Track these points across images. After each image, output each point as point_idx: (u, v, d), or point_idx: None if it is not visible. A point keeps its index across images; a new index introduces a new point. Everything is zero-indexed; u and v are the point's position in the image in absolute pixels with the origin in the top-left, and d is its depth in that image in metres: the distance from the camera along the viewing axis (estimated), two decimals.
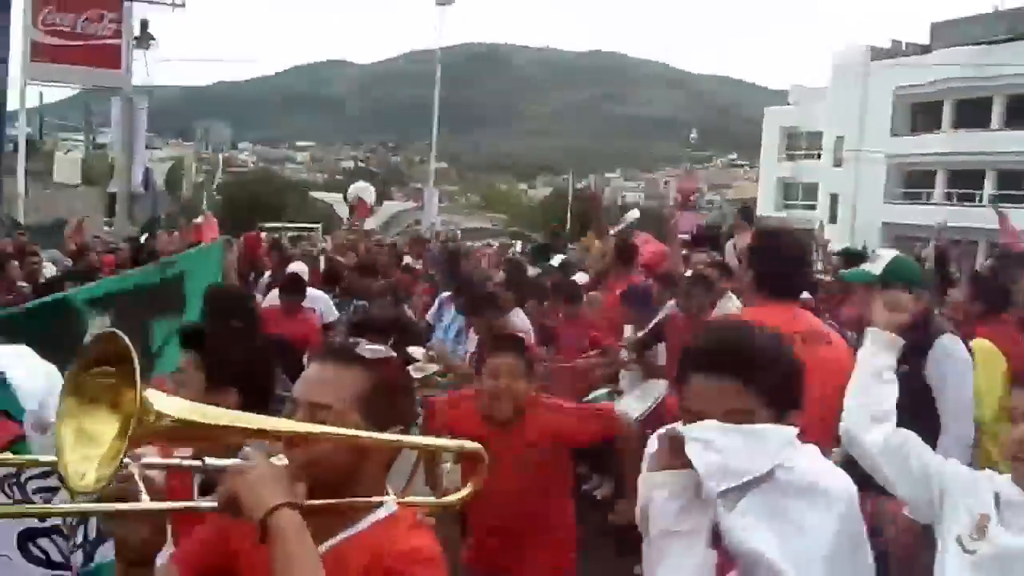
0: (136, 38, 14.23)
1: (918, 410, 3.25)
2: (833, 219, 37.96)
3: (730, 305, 5.35)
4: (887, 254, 3.59)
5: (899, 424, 2.41)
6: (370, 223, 19.84)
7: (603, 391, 5.73)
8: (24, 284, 7.60)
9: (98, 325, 3.27)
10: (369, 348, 1.82)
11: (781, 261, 3.41)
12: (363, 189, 21.48)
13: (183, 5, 13.39)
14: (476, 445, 1.87)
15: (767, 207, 49.17)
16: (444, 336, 7.00)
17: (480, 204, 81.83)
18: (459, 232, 39.84)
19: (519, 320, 5.97)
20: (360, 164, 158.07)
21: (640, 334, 6.09)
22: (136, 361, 1.34)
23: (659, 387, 5.30)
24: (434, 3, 31.92)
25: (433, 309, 7.70)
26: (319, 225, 22.89)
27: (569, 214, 51.79)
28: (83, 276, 5.93)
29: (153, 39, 14.30)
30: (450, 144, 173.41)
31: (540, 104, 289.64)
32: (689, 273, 6.52)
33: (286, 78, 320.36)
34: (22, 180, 13.48)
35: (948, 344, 3.44)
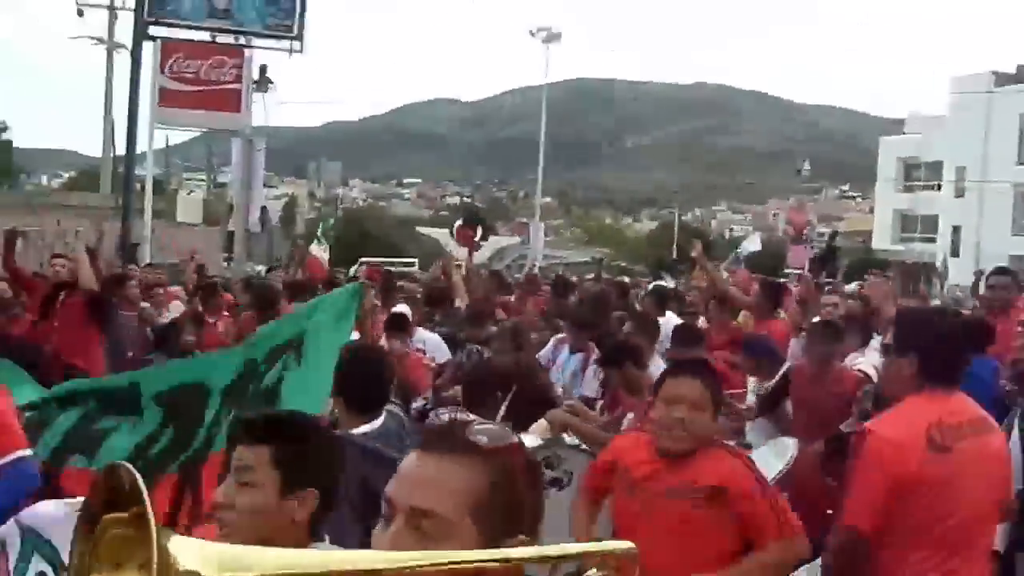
0: (255, 82, 14.81)
1: None
2: (955, 252, 36.41)
3: (864, 361, 5.02)
4: None
5: None
6: (476, 258, 19.95)
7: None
8: (145, 304, 7.91)
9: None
10: (485, 430, 1.43)
11: (945, 346, 3.02)
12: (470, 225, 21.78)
13: (301, 51, 13.88)
14: (628, 545, 1.39)
15: (883, 240, 47.57)
16: (559, 378, 6.75)
17: (585, 238, 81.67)
18: (563, 266, 39.93)
19: (657, 371, 5.66)
20: (466, 199, 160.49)
21: (767, 386, 5.73)
22: (148, 504, 1.02)
23: (790, 446, 4.87)
24: (540, 41, 32.28)
25: (547, 349, 7.45)
26: (415, 260, 22.95)
27: (675, 247, 51.17)
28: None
29: (271, 83, 14.87)
30: (555, 179, 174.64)
31: (645, 137, 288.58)
32: (816, 319, 6.18)
33: (395, 116, 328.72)
34: (149, 220, 14.14)
35: None
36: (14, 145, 37.87)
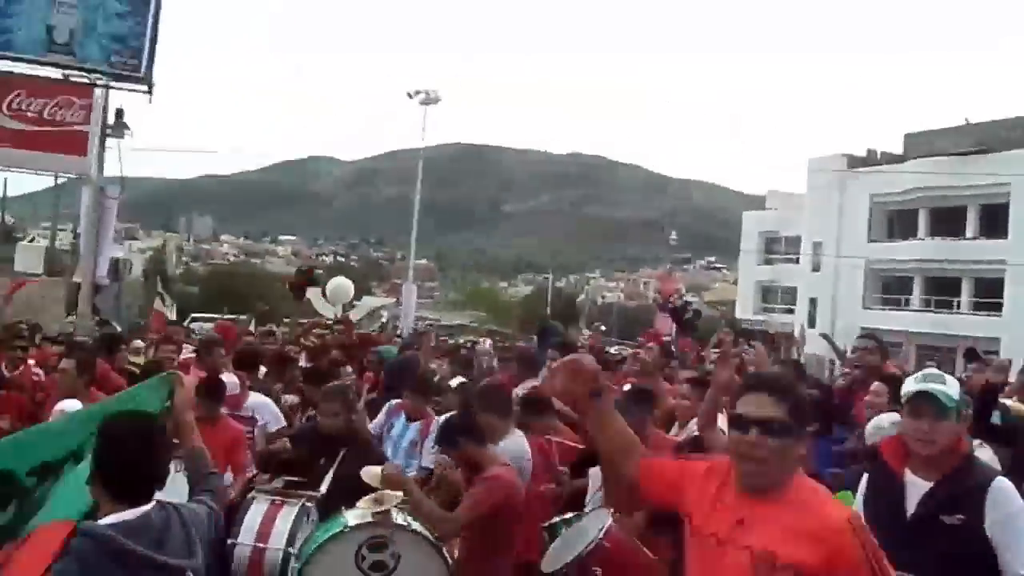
0: (111, 127, 14.06)
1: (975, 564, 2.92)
2: (812, 323, 37.93)
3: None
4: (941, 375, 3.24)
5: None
6: (350, 313, 19.51)
7: (560, 519, 4.68)
8: None
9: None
10: None
11: None
12: (340, 283, 21.22)
13: (149, 92, 13.18)
14: None
15: (746, 310, 49.29)
16: (394, 451, 6.22)
17: (461, 301, 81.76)
18: (436, 329, 39.60)
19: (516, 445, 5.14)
20: (340, 259, 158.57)
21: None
22: None
23: (604, 517, 4.25)
24: (418, 103, 32.33)
25: (379, 419, 6.78)
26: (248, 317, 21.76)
27: (549, 312, 51.67)
28: None
29: (128, 128, 14.12)
30: (432, 242, 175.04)
31: (522, 204, 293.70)
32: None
33: (271, 173, 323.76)
34: None
35: (1005, 488, 3.02)
36: None
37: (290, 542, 4.18)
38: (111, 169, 15.13)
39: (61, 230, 28.29)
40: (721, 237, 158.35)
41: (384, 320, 24.18)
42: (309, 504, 4.45)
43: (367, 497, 4.22)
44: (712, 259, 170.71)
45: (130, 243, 60.96)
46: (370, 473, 4.31)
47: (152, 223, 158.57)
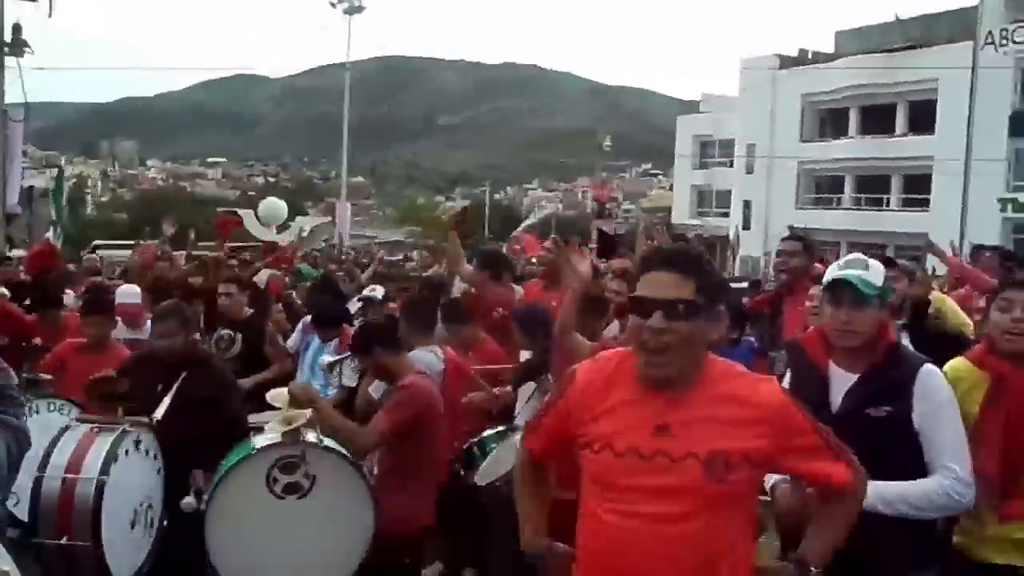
0: (8, 44, 13.16)
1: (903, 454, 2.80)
2: (747, 226, 38.34)
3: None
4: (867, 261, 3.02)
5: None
6: (283, 237, 18.97)
7: (492, 432, 4.64)
8: None
9: None
10: None
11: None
12: (272, 204, 20.61)
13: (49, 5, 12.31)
14: None
15: (682, 215, 49.58)
16: (310, 372, 6.11)
17: (396, 217, 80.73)
18: (375, 245, 39.15)
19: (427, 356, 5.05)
20: (271, 179, 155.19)
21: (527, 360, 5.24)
22: None
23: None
24: (342, 12, 31.22)
25: (294, 337, 6.74)
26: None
27: (487, 226, 51.36)
28: None
29: (27, 46, 13.22)
30: (367, 158, 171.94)
31: (456, 116, 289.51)
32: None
33: (196, 93, 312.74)
34: None
35: (934, 375, 2.89)
36: None
37: (104, 470, 3.71)
38: (15, 93, 14.27)
39: None
40: (656, 143, 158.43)
41: (326, 240, 23.65)
42: (131, 429, 3.95)
43: (275, 417, 3.91)
44: (648, 166, 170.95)
45: (49, 171, 58.70)
46: (276, 394, 3.95)
47: (72, 150, 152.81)
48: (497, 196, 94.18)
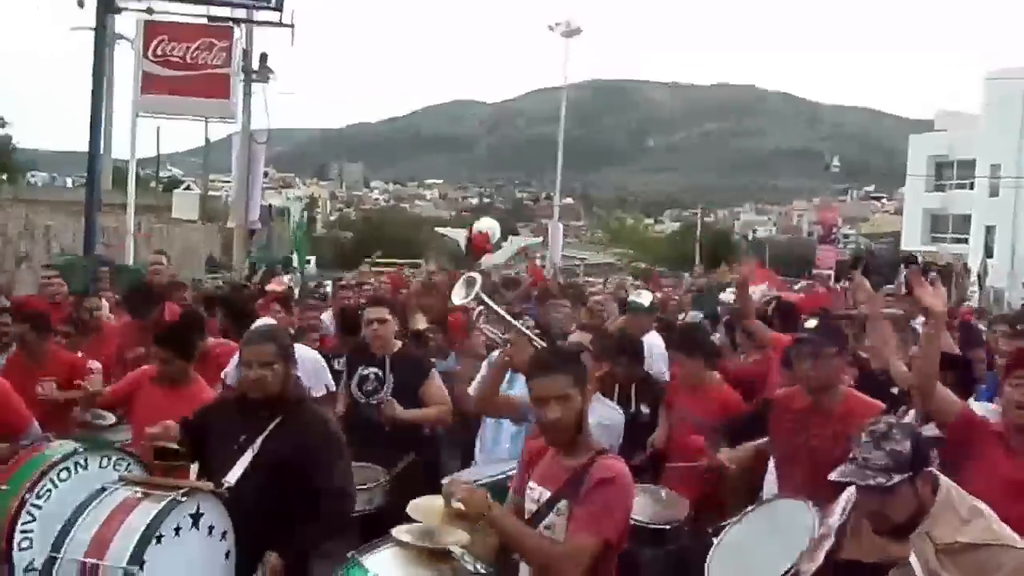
0: (255, 71, 14.01)
1: None
2: (989, 253, 35.15)
3: None
4: None
5: None
6: (496, 258, 19.23)
7: None
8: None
9: None
10: None
11: None
12: (487, 224, 21.00)
13: (292, 25, 13.00)
14: None
15: (913, 240, 46.30)
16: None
17: (606, 239, 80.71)
18: (582, 267, 39.04)
19: None
20: (486, 200, 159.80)
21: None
22: None
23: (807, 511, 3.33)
24: (559, 35, 31.45)
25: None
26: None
27: (698, 249, 50.12)
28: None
29: (272, 72, 14.06)
30: (577, 180, 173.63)
31: (667, 138, 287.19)
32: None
33: (415, 118, 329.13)
34: (131, 216, 13.24)
35: None
36: (21, 146, 37.67)
37: (137, 556, 2.80)
38: (259, 117, 15.19)
39: (225, 182, 29.35)
40: (879, 165, 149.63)
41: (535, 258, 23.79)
42: (184, 499, 3.03)
43: (409, 529, 2.81)
44: (871, 189, 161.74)
45: (286, 191, 63.22)
46: (421, 507, 2.93)
47: (306, 173, 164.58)
48: (708, 219, 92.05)
